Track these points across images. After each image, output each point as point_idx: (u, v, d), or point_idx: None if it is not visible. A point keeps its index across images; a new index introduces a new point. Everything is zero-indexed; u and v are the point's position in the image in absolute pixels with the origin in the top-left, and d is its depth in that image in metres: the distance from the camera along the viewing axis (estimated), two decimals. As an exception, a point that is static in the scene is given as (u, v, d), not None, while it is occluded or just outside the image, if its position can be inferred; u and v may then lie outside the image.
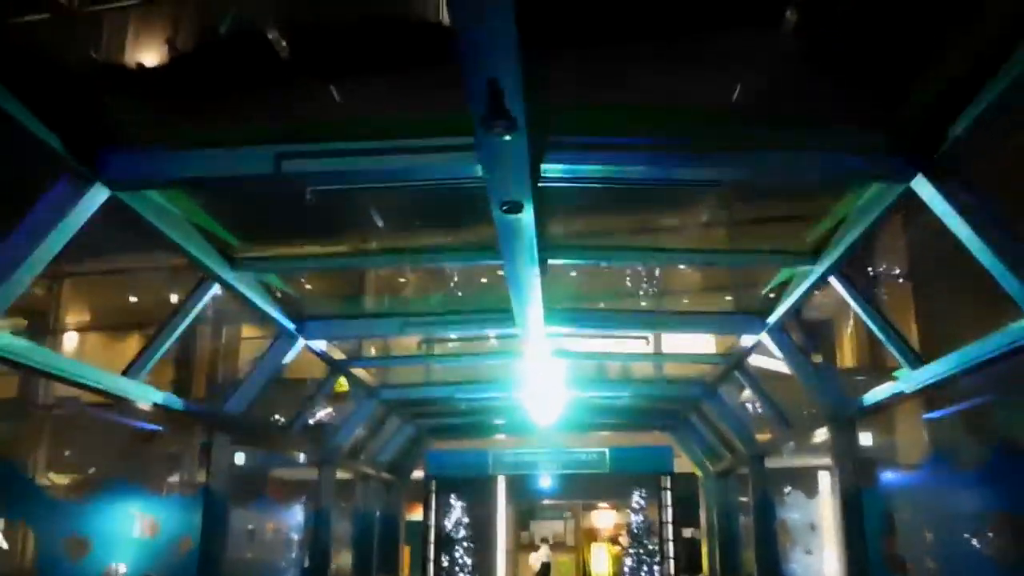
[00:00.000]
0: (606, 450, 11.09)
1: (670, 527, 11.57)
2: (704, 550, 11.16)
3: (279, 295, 5.89)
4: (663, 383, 9.27)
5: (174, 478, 14.98)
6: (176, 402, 5.45)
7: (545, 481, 11.45)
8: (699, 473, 11.52)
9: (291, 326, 6.03)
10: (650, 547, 11.14)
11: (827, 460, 14.62)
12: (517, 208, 3.34)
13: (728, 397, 9.04)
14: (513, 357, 7.48)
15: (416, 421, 11.11)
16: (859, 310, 4.89)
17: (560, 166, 3.33)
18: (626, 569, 11.11)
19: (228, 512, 5.98)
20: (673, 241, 4.68)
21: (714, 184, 3.88)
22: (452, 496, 11.99)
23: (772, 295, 5.89)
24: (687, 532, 12.36)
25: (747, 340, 6.44)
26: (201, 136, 3.61)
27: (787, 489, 7.93)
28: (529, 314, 5.40)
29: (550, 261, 4.85)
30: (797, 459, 11.86)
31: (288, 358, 6.27)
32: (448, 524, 11.76)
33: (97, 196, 3.60)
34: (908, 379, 4.65)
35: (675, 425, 11.00)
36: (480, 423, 11.91)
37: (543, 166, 3.32)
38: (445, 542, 11.63)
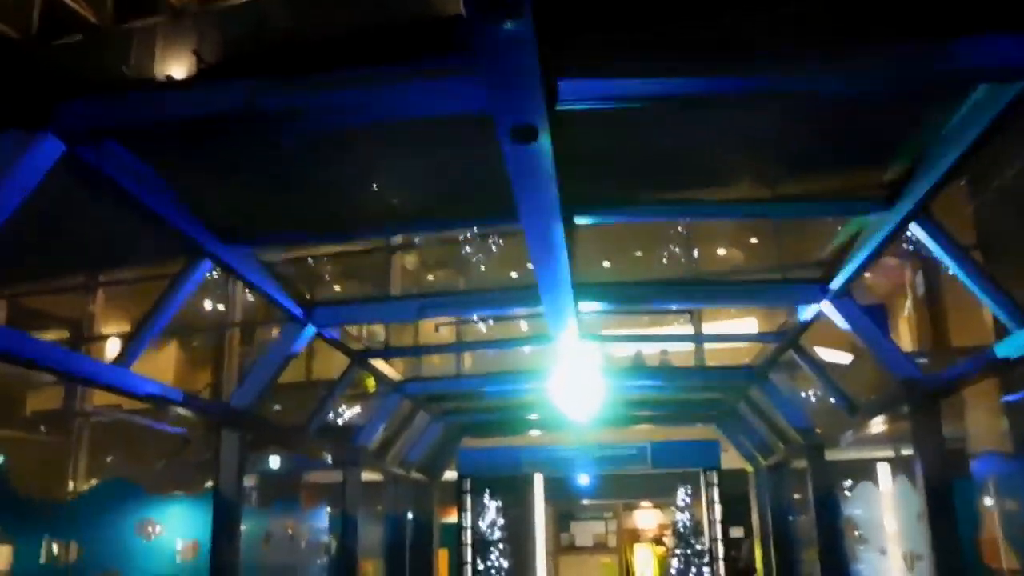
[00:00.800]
0: (647, 445, 10.39)
1: (718, 526, 10.79)
2: (757, 551, 10.36)
3: (283, 277, 5.40)
4: (707, 370, 8.52)
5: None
6: (175, 394, 4.99)
7: (584, 480, 10.77)
8: (749, 468, 10.72)
9: (298, 311, 5.53)
10: (698, 547, 10.38)
11: (886, 452, 13.65)
12: (530, 134, 2.73)
13: (780, 383, 8.28)
14: (544, 342, 6.87)
15: (445, 418, 10.57)
16: (951, 263, 4.15)
17: (583, 81, 2.71)
18: (672, 571, 10.37)
19: (239, 515, 5.50)
20: (718, 194, 4.02)
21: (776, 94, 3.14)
22: (487, 496, 11.40)
23: (833, 257, 5.17)
24: (735, 532, 11.55)
25: (806, 311, 5.71)
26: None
27: (850, 482, 7.15)
28: (556, 287, 4.79)
29: (577, 220, 4.24)
30: (853, 452, 10.98)
31: (298, 347, 5.77)
32: (483, 526, 11.18)
33: (50, 150, 3.13)
34: (1013, 344, 3.91)
35: (721, 416, 10.23)
36: (513, 419, 11.30)
37: (560, 84, 2.71)
38: (481, 545, 11.05)
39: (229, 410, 5.46)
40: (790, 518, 9.32)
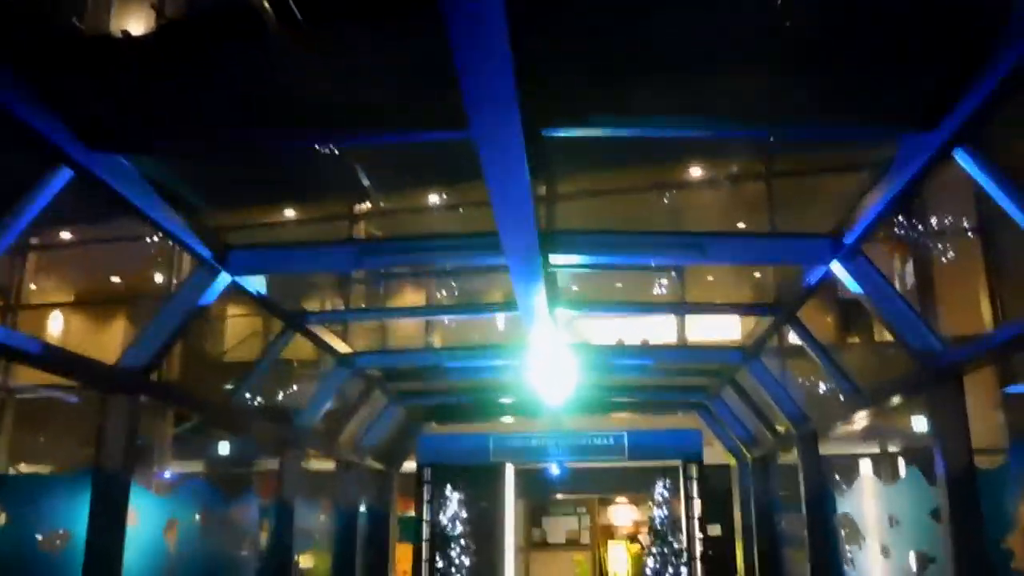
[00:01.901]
0: (624, 434, 9.56)
1: (697, 523, 9.99)
2: (739, 551, 9.58)
3: (190, 208, 4.45)
4: (692, 349, 7.69)
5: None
6: (53, 353, 4.06)
7: (556, 470, 9.92)
8: (732, 462, 9.93)
9: (205, 252, 4.59)
10: (676, 546, 9.57)
11: (870, 448, 13.00)
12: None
13: (772, 367, 7.48)
14: (511, 309, 6.01)
15: (405, 400, 9.65)
16: (1006, 201, 3.33)
17: None
18: (648, 570, 9.55)
19: (126, 498, 4.55)
20: (722, 108, 3.18)
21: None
22: (450, 488, 10.50)
23: (847, 207, 4.34)
24: (713, 530, 10.76)
25: (811, 273, 4.87)
26: None
27: (854, 475, 6.35)
28: (520, 225, 3.90)
29: (545, 133, 3.37)
30: (836, 447, 10.25)
31: (207, 298, 4.83)
32: (446, 519, 10.29)
33: None
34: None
35: (705, 403, 9.42)
36: (481, 403, 10.42)
37: None
38: (443, 540, 10.16)
39: (116, 372, 4.51)
40: (777, 515, 8.54)
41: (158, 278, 14.20)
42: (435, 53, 2.87)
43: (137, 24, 13.91)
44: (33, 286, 16.12)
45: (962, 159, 3.40)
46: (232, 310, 15.77)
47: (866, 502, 5.95)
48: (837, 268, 4.59)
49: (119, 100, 3.51)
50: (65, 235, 15.20)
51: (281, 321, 6.20)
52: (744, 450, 9.17)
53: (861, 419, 6.33)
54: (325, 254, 5.04)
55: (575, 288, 9.74)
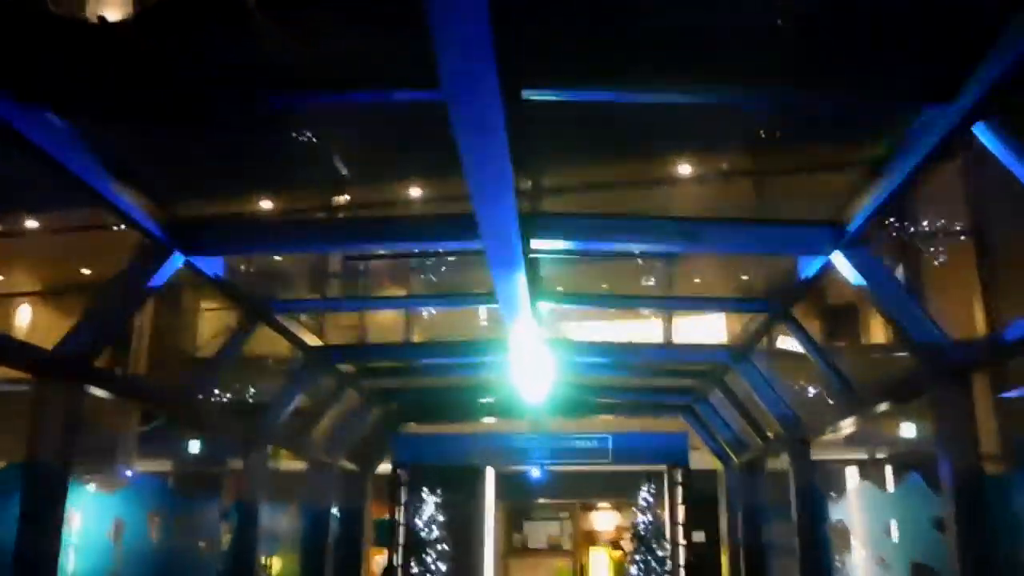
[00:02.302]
0: (608, 437, 9.23)
1: (682, 529, 9.67)
2: (724, 559, 9.27)
3: (135, 181, 4.06)
4: (680, 348, 7.38)
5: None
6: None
7: (537, 473, 9.56)
8: (718, 466, 9.63)
9: (153, 227, 4.18)
10: (659, 553, 9.24)
11: (856, 454, 12.77)
12: None
13: (762, 368, 7.19)
14: (488, 302, 5.67)
15: (379, 397, 9.26)
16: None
17: None
18: (631, 579, 9.22)
19: (62, 496, 4.13)
20: (727, 74, 2.87)
21: None
22: (427, 490, 10.11)
23: (850, 191, 4.04)
24: (696, 536, 10.44)
25: (810, 265, 4.56)
26: None
27: (845, 482, 6.05)
28: (497, 206, 3.56)
29: (526, 95, 3.02)
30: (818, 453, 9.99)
31: (157, 280, 4.43)
32: (422, 523, 9.89)
33: None
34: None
35: (692, 406, 9.11)
36: (460, 403, 10.05)
37: None
38: (418, 545, 9.76)
39: (55, 358, 4.09)
40: (764, 523, 8.24)
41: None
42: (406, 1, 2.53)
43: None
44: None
45: (981, 134, 3.10)
46: (207, 303, 15.25)
47: (860, 509, 5.65)
48: (838, 259, 4.28)
49: (57, 56, 3.14)
50: (32, 223, 14.63)
51: (244, 311, 5.80)
52: (731, 454, 8.87)
53: (851, 423, 6.05)
54: (290, 233, 4.65)
55: (559, 288, 9.39)
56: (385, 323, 12.51)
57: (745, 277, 11.96)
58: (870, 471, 12.46)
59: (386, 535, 10.24)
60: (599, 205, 11.11)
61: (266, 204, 10.86)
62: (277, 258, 10.95)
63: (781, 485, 8.66)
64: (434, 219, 4.33)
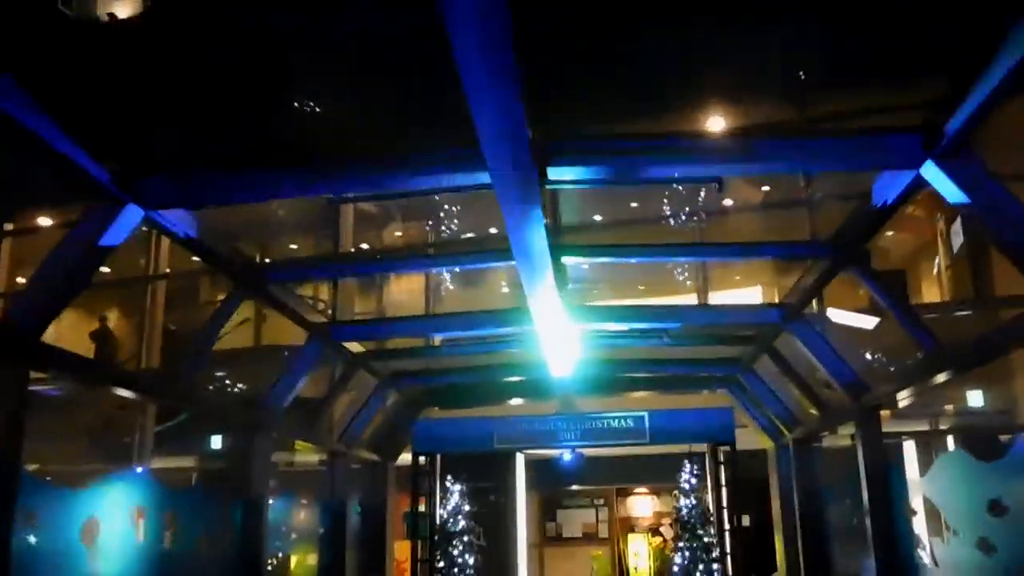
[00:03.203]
0: (645, 414, 8.43)
1: (728, 514, 8.84)
2: (779, 546, 8.44)
3: (78, 119, 3.40)
4: (723, 311, 6.55)
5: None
6: None
7: (567, 457, 8.83)
8: (767, 444, 8.79)
9: (101, 174, 3.52)
10: (705, 539, 8.45)
11: (913, 426, 11.73)
12: None
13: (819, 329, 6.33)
14: (505, 259, 4.94)
15: (396, 380, 8.60)
16: None
17: None
18: (676, 568, 8.44)
19: (12, 494, 3.53)
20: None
21: None
22: (452, 479, 9.45)
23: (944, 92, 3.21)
24: (745, 521, 9.59)
25: (891, 185, 3.71)
26: None
27: (928, 454, 5.19)
28: (503, 124, 2.84)
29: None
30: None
31: (111, 238, 3.77)
32: (448, 514, 9.24)
33: None
34: None
35: (736, 377, 8.27)
36: (483, 384, 9.34)
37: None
38: (444, 537, 9.11)
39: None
40: (824, 504, 7.40)
41: (132, 265, 13.14)
42: None
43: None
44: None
45: None
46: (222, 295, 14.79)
47: (951, 485, 4.80)
48: (931, 172, 3.44)
49: None
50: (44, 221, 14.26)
51: (229, 279, 5.16)
52: (783, 429, 8.02)
53: (928, 387, 5.18)
54: (268, 180, 3.95)
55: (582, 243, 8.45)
56: (403, 306, 11.85)
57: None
58: (927, 445, 11.46)
59: (416, 526, 9.61)
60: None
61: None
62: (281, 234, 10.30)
63: (840, 463, 7.80)
64: (435, 149, 3.60)
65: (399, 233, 11.85)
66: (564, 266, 5.29)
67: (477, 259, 5.14)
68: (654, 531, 15.47)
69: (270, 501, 8.28)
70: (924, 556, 5.16)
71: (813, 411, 7.36)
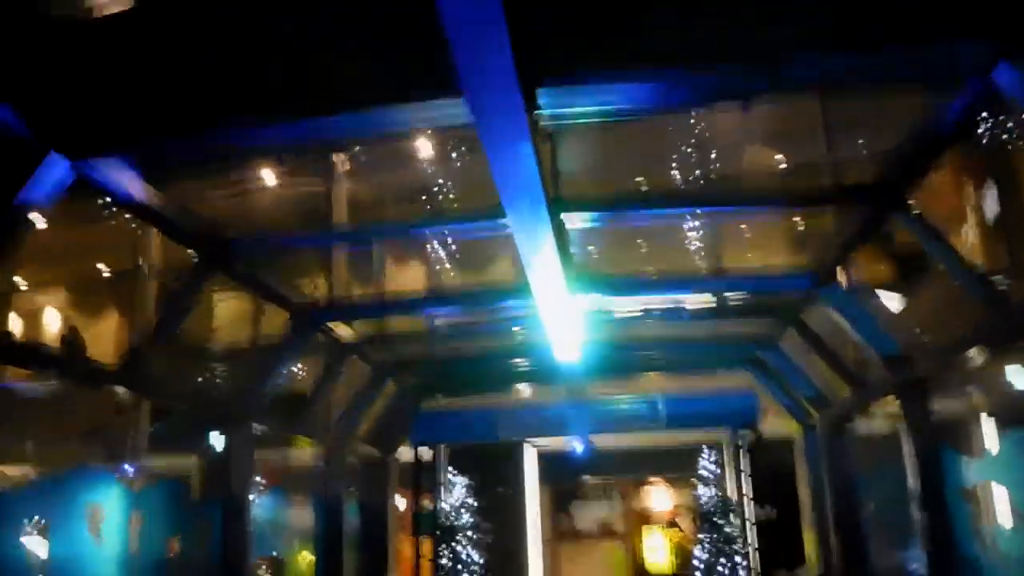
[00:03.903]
0: (660, 399, 7.83)
1: (753, 504, 8.22)
2: (809, 538, 7.81)
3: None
4: (744, 278, 5.91)
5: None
6: None
7: (577, 447, 8.24)
8: (793, 429, 8.15)
9: (10, 118, 2.94)
10: (727, 531, 7.83)
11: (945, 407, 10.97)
12: None
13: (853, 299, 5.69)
14: (497, 217, 4.35)
15: (392, 369, 8.02)
16: None
17: None
18: (697, 562, 7.83)
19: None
20: None
21: None
22: (457, 473, 8.88)
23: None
24: (764, 513, 8.97)
25: (953, 108, 3.08)
26: None
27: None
28: (484, 45, 2.26)
29: None
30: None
31: (30, 193, 3.20)
32: (453, 509, 8.68)
33: None
34: None
35: (759, 356, 7.63)
36: (487, 371, 8.74)
37: None
38: (448, 533, 8.56)
39: None
40: (860, 493, 6.76)
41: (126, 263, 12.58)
42: None
43: None
44: None
45: None
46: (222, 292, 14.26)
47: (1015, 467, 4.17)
48: (1005, 76, 2.80)
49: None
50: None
51: (193, 252, 4.59)
52: (811, 411, 7.38)
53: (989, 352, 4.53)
54: (230, 130, 3.36)
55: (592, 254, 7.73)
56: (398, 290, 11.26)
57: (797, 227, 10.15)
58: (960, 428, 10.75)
59: (425, 524, 9.04)
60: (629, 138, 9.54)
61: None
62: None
63: (879, 445, 7.17)
64: (396, 68, 3.00)
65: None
66: (565, 227, 4.69)
67: (468, 219, 4.54)
68: (672, 524, 14.84)
69: (258, 499, 7.80)
70: (984, 548, 4.54)
71: (846, 390, 6.72)
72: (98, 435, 12.14)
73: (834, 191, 4.76)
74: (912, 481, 5.10)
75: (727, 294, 6.67)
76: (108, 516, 4.49)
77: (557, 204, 4.25)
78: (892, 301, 7.65)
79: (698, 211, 5.86)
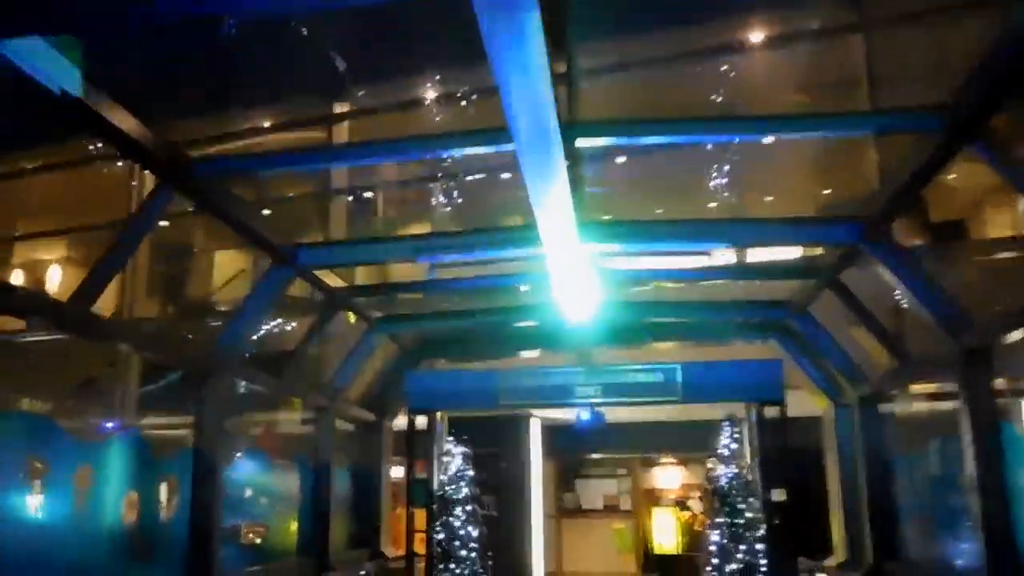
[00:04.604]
0: (677, 367, 7.17)
1: (775, 485, 7.55)
2: (834, 525, 7.18)
3: None
4: (783, 228, 5.19)
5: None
6: None
7: (584, 416, 7.63)
8: (821, 405, 7.47)
9: None
10: (749, 515, 7.21)
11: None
12: None
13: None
14: (500, 143, 3.70)
15: (386, 324, 7.44)
16: None
17: None
18: (712, 546, 7.23)
19: None
20: None
21: None
22: (456, 442, 8.31)
23: None
24: (779, 495, 8.28)
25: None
26: None
27: None
28: None
29: None
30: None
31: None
32: (450, 481, 8.13)
33: None
34: None
35: (786, 323, 6.94)
36: (488, 330, 8.15)
37: None
38: (443, 506, 8.01)
39: None
40: (900, 474, 6.09)
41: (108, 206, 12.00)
42: None
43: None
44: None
45: None
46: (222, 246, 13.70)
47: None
48: None
49: None
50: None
51: (146, 166, 3.97)
52: (845, 385, 6.69)
53: None
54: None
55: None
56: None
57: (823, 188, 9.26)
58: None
59: (419, 495, 8.49)
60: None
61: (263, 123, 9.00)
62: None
63: (924, 424, 6.50)
64: None
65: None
66: (579, 155, 4.02)
67: (468, 142, 3.87)
68: (682, 504, 14.31)
69: (252, 464, 7.29)
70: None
71: (885, 363, 6.03)
72: (90, 389, 11.77)
73: (891, 115, 4.01)
74: (967, 464, 4.42)
75: (756, 250, 5.98)
76: (50, 471, 3.95)
77: (572, 129, 3.58)
78: (946, 261, 6.90)
79: (725, 140, 5.15)
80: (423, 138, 4.39)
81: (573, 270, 4.91)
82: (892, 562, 6.16)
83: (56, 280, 15.57)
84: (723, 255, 6.80)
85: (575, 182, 3.91)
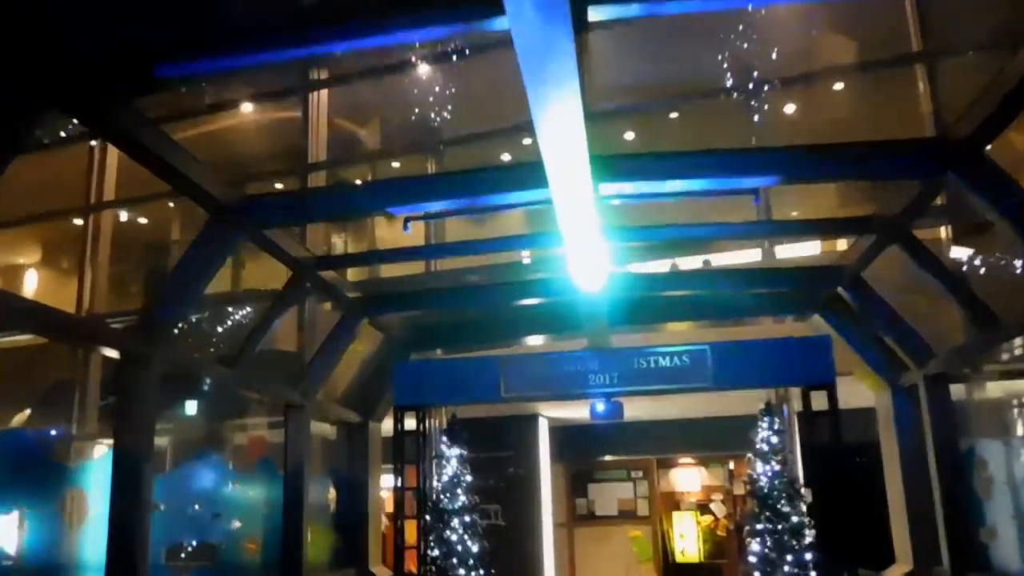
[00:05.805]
0: (706, 348, 6.10)
1: (824, 487, 6.46)
2: (898, 527, 6.09)
3: None
4: (845, 161, 4.12)
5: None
6: None
7: (600, 407, 6.55)
8: (876, 391, 6.39)
9: None
10: (794, 519, 6.12)
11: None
12: None
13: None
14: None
15: (366, 304, 6.41)
16: None
17: None
18: (752, 557, 6.13)
19: None
20: None
21: None
22: (452, 444, 7.25)
23: None
24: (825, 496, 7.14)
25: None
26: None
27: None
28: None
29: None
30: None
31: None
32: (446, 487, 7.08)
33: None
34: None
35: (838, 294, 5.87)
36: (492, 316, 7.11)
37: None
38: (439, 514, 6.96)
39: None
40: (976, 473, 5.01)
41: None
42: None
43: None
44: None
45: None
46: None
47: None
48: None
49: None
50: None
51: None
52: (910, 365, 5.62)
53: None
54: None
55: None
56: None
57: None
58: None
59: (411, 505, 7.46)
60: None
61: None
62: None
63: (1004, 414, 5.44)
64: None
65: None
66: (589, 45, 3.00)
67: (458, 18, 2.81)
68: (703, 508, 13.20)
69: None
70: None
71: (959, 338, 4.97)
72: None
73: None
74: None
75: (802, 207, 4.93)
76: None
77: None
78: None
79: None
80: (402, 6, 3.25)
81: (585, 216, 3.90)
82: (975, 573, 5.09)
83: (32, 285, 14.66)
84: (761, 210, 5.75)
85: (584, 84, 2.88)
